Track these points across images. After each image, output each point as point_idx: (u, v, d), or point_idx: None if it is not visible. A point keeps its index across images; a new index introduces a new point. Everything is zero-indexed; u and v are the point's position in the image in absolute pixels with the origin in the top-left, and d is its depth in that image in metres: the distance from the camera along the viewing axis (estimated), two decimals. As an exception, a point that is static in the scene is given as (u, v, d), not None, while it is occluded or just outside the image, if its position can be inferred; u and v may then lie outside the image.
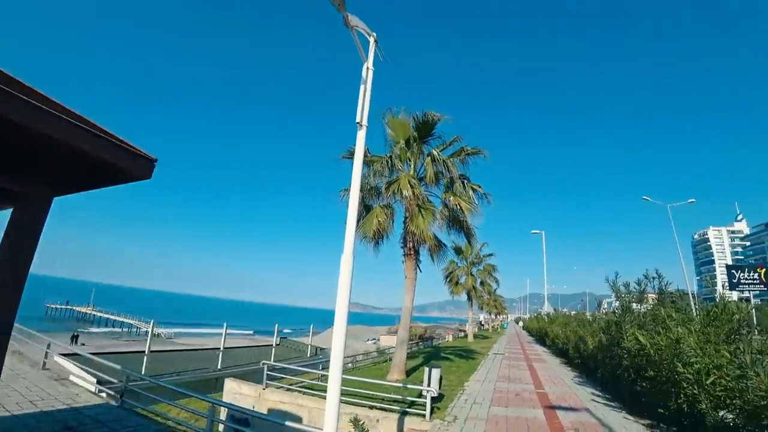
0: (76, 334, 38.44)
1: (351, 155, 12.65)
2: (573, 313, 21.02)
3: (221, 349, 16.05)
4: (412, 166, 12.78)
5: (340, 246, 4.34)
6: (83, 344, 31.37)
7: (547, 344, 25.49)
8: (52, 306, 66.98)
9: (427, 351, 22.03)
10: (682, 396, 6.22)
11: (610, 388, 10.14)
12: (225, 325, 16.96)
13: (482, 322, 62.78)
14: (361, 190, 12.88)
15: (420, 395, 8.23)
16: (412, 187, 11.27)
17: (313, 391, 8.87)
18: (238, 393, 9.35)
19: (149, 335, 13.84)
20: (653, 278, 9.39)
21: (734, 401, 5.35)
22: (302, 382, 10.55)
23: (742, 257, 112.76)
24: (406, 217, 12.04)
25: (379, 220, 11.96)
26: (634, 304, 9.08)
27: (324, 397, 8.46)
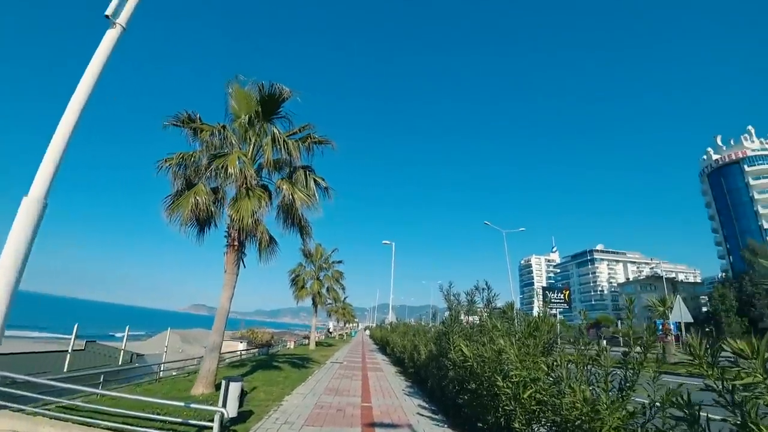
0: None
1: (178, 122, 10.13)
2: (413, 322, 21.56)
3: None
4: (252, 146, 10.82)
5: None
6: None
7: (387, 353, 25.71)
8: None
9: (260, 359, 19.73)
10: (500, 410, 5.83)
11: (437, 399, 9.78)
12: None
13: (330, 330, 62.20)
14: (186, 166, 10.64)
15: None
16: (241, 166, 9.37)
17: (64, 417, 6.08)
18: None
19: None
20: (482, 289, 9.44)
21: (547, 415, 5.03)
22: (59, 402, 7.44)
23: (553, 281, 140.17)
24: (232, 201, 10.00)
25: (197, 200, 9.63)
26: (464, 316, 8.82)
27: (85, 422, 6.02)
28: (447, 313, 9.73)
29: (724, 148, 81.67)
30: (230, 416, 6.39)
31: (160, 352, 19.96)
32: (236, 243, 10.11)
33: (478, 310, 9.01)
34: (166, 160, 10.12)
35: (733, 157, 78.73)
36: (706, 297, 71.03)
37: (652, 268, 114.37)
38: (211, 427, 5.75)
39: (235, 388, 6.44)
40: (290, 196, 10.31)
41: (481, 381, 6.44)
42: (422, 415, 8.61)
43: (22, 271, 2.31)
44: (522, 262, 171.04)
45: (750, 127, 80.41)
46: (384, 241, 37.95)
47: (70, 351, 14.09)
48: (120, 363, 16.53)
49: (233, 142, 10.20)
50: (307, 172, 11.14)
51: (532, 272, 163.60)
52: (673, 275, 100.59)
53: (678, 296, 21.27)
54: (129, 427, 5.96)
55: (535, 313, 7.25)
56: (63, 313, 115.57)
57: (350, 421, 7.71)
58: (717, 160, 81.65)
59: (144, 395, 8.94)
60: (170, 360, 16.06)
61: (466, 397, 7.16)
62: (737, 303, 52.18)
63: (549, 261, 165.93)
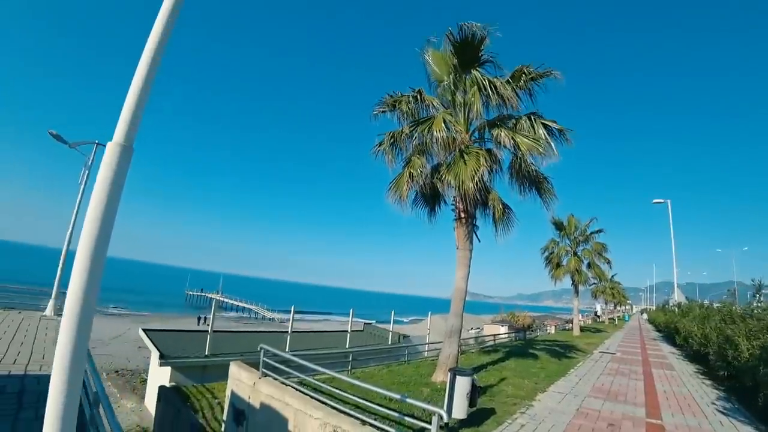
0: (200, 316, 43.74)
1: (385, 107, 10.28)
2: (716, 304, 15.61)
3: (289, 332, 15.23)
4: (460, 107, 9.81)
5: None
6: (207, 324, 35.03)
7: (677, 343, 19.97)
8: (190, 293, 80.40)
9: (516, 345, 18.64)
10: None
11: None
12: (293, 307, 16.13)
13: (597, 313, 54.35)
14: (399, 146, 10.68)
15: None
16: (447, 126, 8.46)
17: (302, 390, 6.89)
18: (237, 379, 8.08)
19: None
20: None
21: None
22: (300, 377, 8.36)
23: None
24: (446, 167, 9.23)
25: (411, 173, 9.39)
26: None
27: (314, 398, 6.67)
28: None
29: None
30: (455, 418, 5.56)
31: (422, 334, 21.88)
32: (464, 215, 9.47)
33: None
34: (379, 145, 10.30)
35: None
36: None
37: None
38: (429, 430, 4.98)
39: (463, 384, 5.63)
40: (512, 143, 8.82)
41: None
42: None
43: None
44: None
45: None
46: (655, 200, 29.17)
47: (349, 331, 16.98)
48: (389, 343, 18.91)
49: (434, 104, 9.58)
50: (533, 118, 9.37)
51: None
52: None
53: None
54: (349, 411, 5.97)
55: None
56: (336, 300, 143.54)
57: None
58: None
59: (388, 377, 9.41)
60: (433, 341, 16.98)
61: None
62: None
63: None
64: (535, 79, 9.23)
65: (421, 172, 9.62)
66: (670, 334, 23.66)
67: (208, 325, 12.79)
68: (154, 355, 12.26)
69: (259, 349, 7.73)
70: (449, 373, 5.78)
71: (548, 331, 30.17)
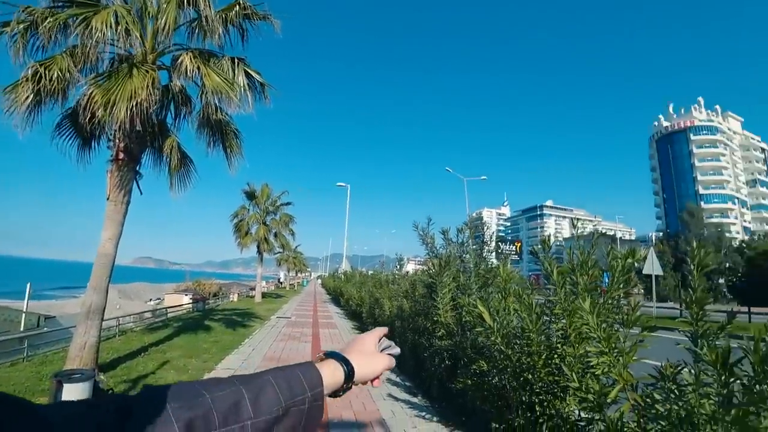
0: None
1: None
2: (370, 272, 19.51)
3: None
4: (152, 14, 6.98)
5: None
6: None
7: (341, 304, 23.65)
8: None
9: (191, 318, 16.67)
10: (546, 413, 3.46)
11: (411, 372, 7.46)
12: None
13: (281, 280, 59.51)
14: (34, 26, 6.74)
15: None
16: (118, 23, 5.78)
17: None
18: None
19: None
20: (475, 226, 6.95)
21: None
22: None
23: (503, 234, 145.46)
24: (94, 79, 6.19)
25: (40, 76, 6.00)
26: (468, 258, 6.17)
27: None
28: (430, 260, 7.10)
29: (675, 116, 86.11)
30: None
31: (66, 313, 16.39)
32: (123, 155, 6.67)
33: (471, 251, 6.45)
34: (3, 25, 6.24)
35: (682, 125, 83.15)
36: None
37: (594, 225, 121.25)
38: None
39: (76, 394, 3.50)
40: (197, 73, 6.69)
41: (504, 363, 4.04)
42: (397, 400, 6.20)
43: None
44: (473, 214, 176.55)
45: (700, 98, 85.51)
46: (339, 183, 35.27)
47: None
48: (22, 328, 12.95)
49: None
50: (237, 61, 7.61)
51: (484, 224, 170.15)
52: (613, 233, 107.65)
53: (651, 249, 20.60)
54: None
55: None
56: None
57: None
58: (666, 127, 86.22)
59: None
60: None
61: (469, 381, 4.77)
62: (674, 260, 55.58)
63: (500, 214, 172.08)
64: (250, 18, 7.54)
65: (66, 79, 6.21)
66: (337, 297, 27.79)
67: None
68: None
69: None
70: (52, 381, 3.54)
71: (231, 299, 29.63)
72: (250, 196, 26.82)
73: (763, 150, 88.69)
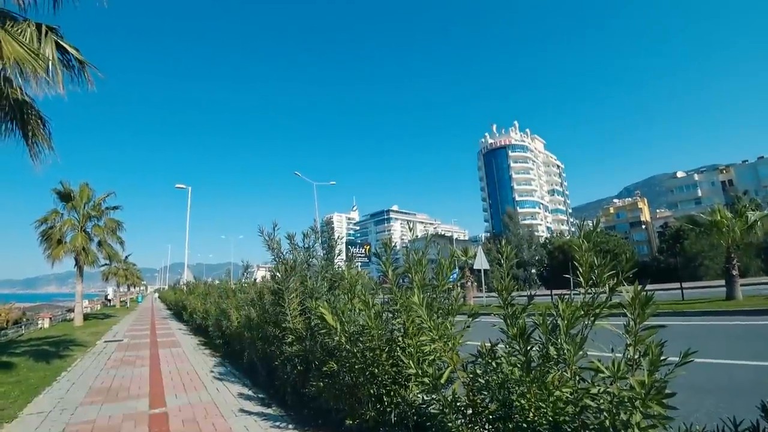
0: None
1: None
2: (216, 282, 18.02)
3: None
4: None
5: None
6: None
7: (184, 319, 21.23)
8: None
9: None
10: (392, 402, 3.75)
11: (263, 383, 7.17)
12: None
13: (109, 297, 50.21)
14: None
15: None
16: None
17: None
18: None
19: None
20: (319, 232, 7.14)
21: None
22: None
23: (353, 237, 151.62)
24: None
25: None
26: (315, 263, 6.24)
27: None
28: (277, 266, 6.95)
29: (497, 135, 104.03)
30: None
31: None
32: None
33: (319, 257, 6.60)
34: None
35: (502, 143, 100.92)
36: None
37: (435, 227, 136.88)
38: None
39: None
40: None
41: (352, 360, 4.22)
42: (250, 414, 5.85)
43: None
44: (324, 219, 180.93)
45: (515, 122, 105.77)
46: (178, 185, 30.09)
47: None
48: None
49: None
50: (46, 30, 6.17)
51: (334, 229, 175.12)
52: (450, 234, 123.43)
53: (480, 247, 24.18)
54: None
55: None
56: None
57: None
58: (491, 143, 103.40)
59: None
60: None
61: (321, 383, 4.83)
62: (498, 256, 66.72)
63: (350, 219, 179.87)
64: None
65: None
66: (179, 311, 24.76)
67: None
68: None
69: None
70: None
71: (41, 325, 23.71)
72: (65, 197, 21.58)
73: (558, 166, 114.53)
